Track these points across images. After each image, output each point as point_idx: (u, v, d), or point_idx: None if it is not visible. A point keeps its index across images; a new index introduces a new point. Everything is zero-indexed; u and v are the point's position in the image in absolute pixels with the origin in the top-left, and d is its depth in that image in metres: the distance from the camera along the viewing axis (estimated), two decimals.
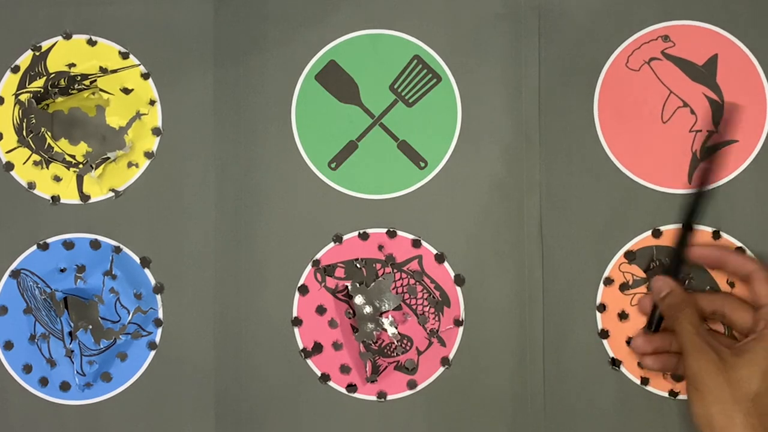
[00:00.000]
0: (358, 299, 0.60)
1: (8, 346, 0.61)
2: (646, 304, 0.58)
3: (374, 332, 0.60)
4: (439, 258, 0.60)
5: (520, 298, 0.60)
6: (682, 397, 0.59)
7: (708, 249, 0.58)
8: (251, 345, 0.61)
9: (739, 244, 0.59)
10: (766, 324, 0.53)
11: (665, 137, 0.60)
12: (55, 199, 0.62)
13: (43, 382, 0.61)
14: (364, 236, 0.61)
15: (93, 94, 0.62)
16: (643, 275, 0.60)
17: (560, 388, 0.59)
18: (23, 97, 0.62)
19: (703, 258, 0.57)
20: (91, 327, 0.61)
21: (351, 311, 0.61)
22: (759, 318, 0.54)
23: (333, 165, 0.61)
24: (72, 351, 0.61)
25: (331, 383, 0.61)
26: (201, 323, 0.61)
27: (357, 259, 0.61)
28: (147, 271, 0.61)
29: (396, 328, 0.60)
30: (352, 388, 0.60)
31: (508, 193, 0.60)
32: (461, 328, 0.60)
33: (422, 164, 0.61)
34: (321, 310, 0.61)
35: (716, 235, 0.59)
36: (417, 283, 0.60)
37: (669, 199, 0.60)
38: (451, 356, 0.60)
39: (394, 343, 0.60)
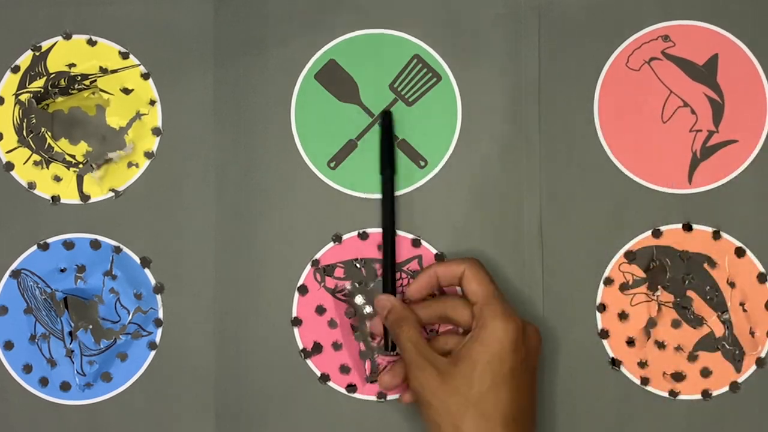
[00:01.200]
0: (358, 299, 0.60)
1: (8, 346, 0.61)
2: (378, 325, 0.58)
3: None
4: (439, 258, 0.60)
5: (520, 298, 0.60)
6: (682, 397, 0.59)
7: (422, 278, 0.57)
8: (251, 345, 0.61)
9: (739, 244, 0.59)
10: (477, 323, 0.53)
11: (665, 137, 0.60)
12: (55, 199, 0.62)
13: (43, 382, 0.61)
14: (363, 236, 0.61)
15: (93, 94, 0.62)
16: (643, 275, 0.60)
17: (560, 388, 0.59)
18: (23, 97, 0.62)
19: (420, 289, 0.57)
20: (91, 327, 0.61)
21: (351, 311, 0.61)
22: (473, 317, 0.54)
23: (332, 164, 0.61)
24: (72, 351, 0.61)
25: (330, 383, 0.61)
26: (201, 323, 0.61)
27: (357, 259, 0.61)
28: (147, 271, 0.61)
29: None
30: (352, 388, 0.60)
31: (508, 193, 0.60)
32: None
33: (422, 164, 0.61)
34: (321, 310, 0.61)
35: (716, 235, 0.59)
36: None
37: (669, 199, 0.60)
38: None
39: (394, 342, 0.60)
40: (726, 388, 0.59)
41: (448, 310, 0.56)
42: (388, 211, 0.59)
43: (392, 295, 0.57)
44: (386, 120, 0.60)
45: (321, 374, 0.61)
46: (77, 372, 0.61)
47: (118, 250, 0.61)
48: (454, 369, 0.52)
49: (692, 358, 0.59)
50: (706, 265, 0.59)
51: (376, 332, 0.59)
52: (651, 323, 0.59)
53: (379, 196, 0.60)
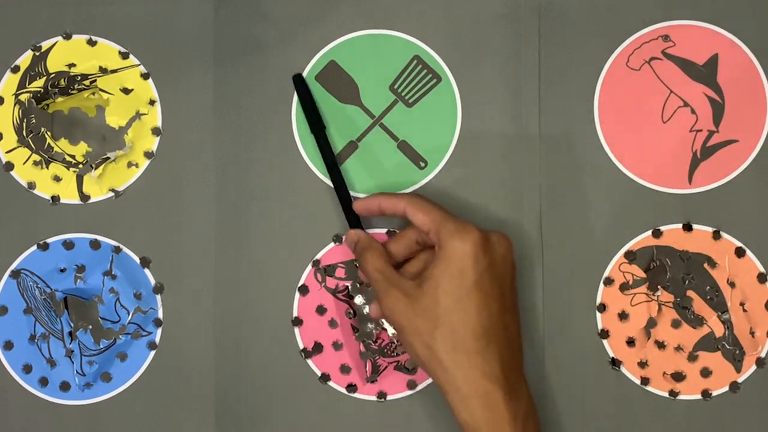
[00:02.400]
0: (359, 299, 0.60)
1: (8, 346, 0.61)
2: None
3: (374, 332, 0.60)
4: None
5: (520, 298, 0.59)
6: (682, 397, 0.59)
7: (366, 200, 0.58)
8: (251, 345, 0.61)
9: (739, 244, 0.59)
10: (437, 246, 0.53)
11: (665, 137, 0.60)
12: (55, 199, 0.62)
13: (43, 382, 0.61)
14: None
15: (93, 94, 0.62)
16: (643, 275, 0.60)
17: (560, 388, 0.59)
18: (23, 97, 0.62)
19: (365, 209, 0.58)
20: (91, 327, 0.61)
21: (351, 311, 0.61)
22: (432, 243, 0.54)
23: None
24: (72, 351, 0.61)
25: (331, 383, 0.61)
26: (201, 323, 0.61)
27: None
28: (147, 271, 0.61)
29: None
30: (352, 388, 0.60)
31: (508, 193, 0.60)
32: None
33: (422, 164, 0.61)
34: (321, 310, 0.61)
35: (716, 235, 0.59)
36: None
37: (669, 199, 0.60)
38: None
39: (394, 343, 0.60)
40: (726, 388, 0.59)
41: (411, 217, 0.55)
42: (329, 154, 0.59)
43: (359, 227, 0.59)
44: (298, 83, 0.60)
45: (321, 374, 0.61)
46: (77, 372, 0.61)
47: (117, 250, 0.61)
48: (420, 290, 0.52)
49: (692, 358, 0.59)
50: (706, 265, 0.59)
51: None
52: (651, 323, 0.59)
53: None
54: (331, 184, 0.61)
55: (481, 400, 0.51)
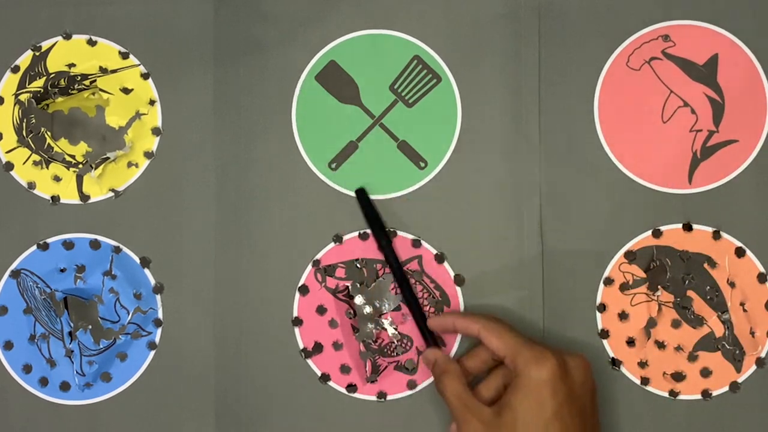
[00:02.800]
0: (359, 299, 0.60)
1: (8, 346, 0.61)
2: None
3: (374, 332, 0.60)
4: (439, 258, 0.60)
5: (519, 298, 0.60)
6: (682, 397, 0.59)
7: (440, 318, 0.58)
8: (251, 345, 0.61)
9: (739, 244, 0.59)
10: (513, 373, 0.53)
11: (665, 137, 0.60)
12: (55, 199, 0.62)
13: (43, 382, 0.61)
14: (364, 236, 0.61)
15: (93, 94, 0.62)
16: (644, 275, 0.60)
17: None
18: (23, 97, 0.62)
19: (440, 327, 0.58)
20: (90, 327, 0.61)
21: (351, 311, 0.61)
22: (506, 371, 0.54)
23: (333, 165, 0.61)
24: (72, 351, 0.61)
25: (331, 383, 0.61)
26: (201, 323, 0.61)
27: (357, 260, 0.61)
28: (147, 271, 0.61)
29: (395, 328, 0.60)
30: (352, 388, 0.60)
31: (508, 193, 0.60)
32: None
33: (422, 164, 0.61)
34: (321, 310, 0.61)
35: (716, 235, 0.59)
36: (417, 283, 0.60)
37: (669, 199, 0.60)
38: (451, 356, 0.60)
39: (394, 343, 0.60)
40: (726, 388, 0.59)
41: (487, 342, 0.55)
42: (396, 269, 0.59)
43: (436, 346, 0.58)
44: (361, 197, 0.60)
45: (321, 374, 0.61)
46: (77, 372, 0.61)
47: (117, 250, 0.61)
48: (499, 420, 0.52)
49: (692, 358, 0.59)
50: (706, 265, 0.59)
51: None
52: (651, 323, 0.59)
53: (379, 196, 0.60)
54: (332, 185, 0.61)
55: None
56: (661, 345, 0.59)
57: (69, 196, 0.62)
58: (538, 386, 0.51)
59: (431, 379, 0.60)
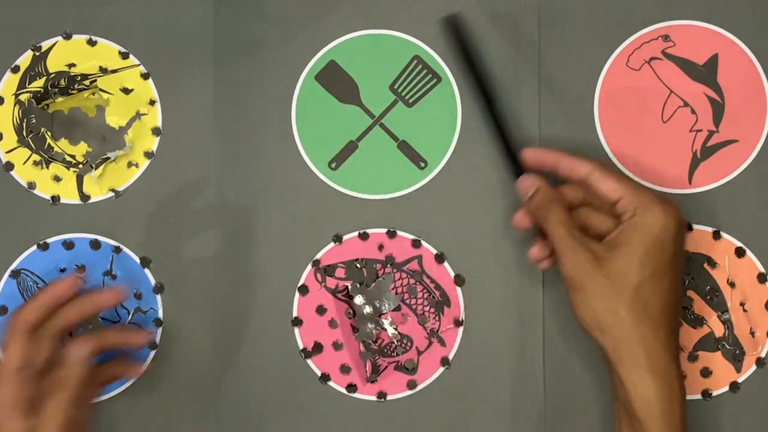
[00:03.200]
0: (358, 299, 0.60)
1: None
2: (522, 219, 0.56)
3: (374, 332, 0.60)
4: (439, 258, 0.60)
5: (519, 298, 0.60)
6: None
7: (541, 151, 0.55)
8: (251, 345, 0.61)
9: (739, 244, 0.59)
10: (631, 213, 0.52)
11: (665, 137, 0.60)
12: (55, 199, 0.62)
13: None
14: (364, 236, 0.61)
15: (93, 94, 0.62)
16: None
17: (560, 388, 0.59)
18: (23, 97, 0.62)
19: (537, 161, 0.55)
20: (91, 327, 0.61)
21: (351, 311, 0.61)
22: (620, 211, 0.52)
23: (333, 165, 0.61)
24: None
25: (331, 383, 0.61)
26: (201, 323, 0.61)
27: (357, 260, 0.61)
28: (147, 271, 0.61)
29: (395, 328, 0.60)
30: (352, 388, 0.60)
31: (508, 193, 0.60)
32: (461, 328, 0.60)
33: (422, 164, 0.61)
34: (321, 310, 0.61)
35: (716, 235, 0.59)
36: (417, 283, 0.60)
37: (669, 199, 0.60)
38: (451, 356, 0.60)
39: (394, 343, 0.60)
40: (726, 388, 0.59)
41: (598, 183, 0.53)
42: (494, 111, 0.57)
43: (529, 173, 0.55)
44: (455, 28, 0.56)
45: (321, 374, 0.61)
46: None
47: (117, 250, 0.61)
48: (612, 254, 0.51)
49: (692, 358, 0.59)
50: (706, 265, 0.59)
51: (521, 225, 0.55)
52: None
53: (379, 196, 0.60)
54: (332, 185, 0.61)
55: (659, 377, 0.50)
56: None
57: (69, 196, 0.62)
58: (662, 230, 0.50)
59: (431, 379, 0.60)
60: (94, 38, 0.62)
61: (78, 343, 0.54)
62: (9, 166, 0.62)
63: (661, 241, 0.51)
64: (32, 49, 0.62)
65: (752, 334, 0.59)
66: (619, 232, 0.52)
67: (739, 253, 0.59)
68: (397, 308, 0.60)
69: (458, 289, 0.60)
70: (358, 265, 0.61)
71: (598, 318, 0.51)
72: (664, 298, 0.51)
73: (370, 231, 0.61)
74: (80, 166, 0.62)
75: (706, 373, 0.59)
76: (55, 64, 0.62)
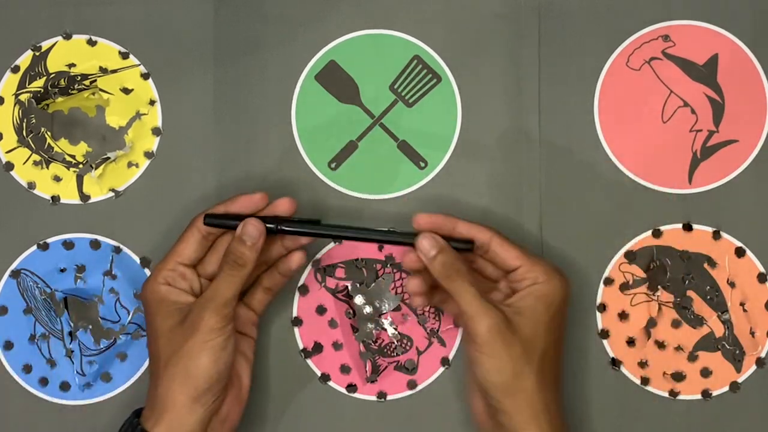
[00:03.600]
0: (358, 299, 0.60)
1: (8, 346, 0.61)
2: (416, 283, 0.55)
3: (374, 332, 0.60)
4: None
5: None
6: (682, 397, 0.59)
7: (435, 216, 0.54)
8: None
9: (739, 244, 0.59)
10: (531, 281, 0.52)
11: (665, 137, 0.60)
12: (55, 199, 0.62)
13: (43, 382, 0.61)
14: None
15: (93, 94, 0.62)
16: (644, 275, 0.60)
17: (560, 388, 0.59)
18: (23, 97, 0.62)
19: (431, 225, 0.54)
20: (91, 327, 0.61)
21: (351, 311, 0.61)
22: (518, 278, 0.53)
23: (333, 165, 0.61)
24: (72, 351, 0.61)
25: (331, 383, 0.61)
26: None
27: (357, 259, 0.61)
28: (147, 271, 0.61)
29: (395, 328, 0.60)
30: (352, 388, 0.60)
31: (508, 193, 0.60)
32: (461, 328, 0.60)
33: (422, 164, 0.61)
34: (321, 310, 0.61)
35: (716, 235, 0.59)
36: None
37: (669, 199, 0.60)
38: (451, 356, 0.60)
39: (394, 343, 0.60)
40: (726, 388, 0.59)
41: (498, 249, 0.53)
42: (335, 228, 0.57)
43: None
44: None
45: (321, 374, 0.61)
46: (77, 372, 0.61)
47: (117, 250, 0.61)
48: (521, 320, 0.51)
49: (692, 358, 0.59)
50: (706, 265, 0.59)
51: (412, 266, 0.54)
52: (651, 323, 0.59)
53: (379, 196, 0.60)
54: (332, 185, 0.61)
55: (551, 418, 0.52)
56: (661, 345, 0.59)
57: (69, 196, 0.62)
58: (562, 299, 0.53)
59: (431, 379, 0.60)
60: (94, 38, 0.62)
61: (248, 222, 0.54)
62: (9, 166, 0.62)
63: (561, 309, 0.53)
64: (32, 49, 0.62)
65: (752, 334, 0.59)
66: (520, 298, 0.52)
67: (739, 253, 0.59)
68: (397, 308, 0.60)
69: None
70: (358, 265, 0.61)
71: (508, 382, 0.51)
72: (559, 363, 0.53)
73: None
74: (80, 166, 0.62)
75: (706, 373, 0.59)
76: (55, 64, 0.62)
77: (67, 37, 0.62)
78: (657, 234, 0.60)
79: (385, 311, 0.60)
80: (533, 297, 0.52)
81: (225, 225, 0.55)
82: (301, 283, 0.61)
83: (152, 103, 0.62)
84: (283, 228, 0.55)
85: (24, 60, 0.62)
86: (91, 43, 0.62)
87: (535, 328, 0.51)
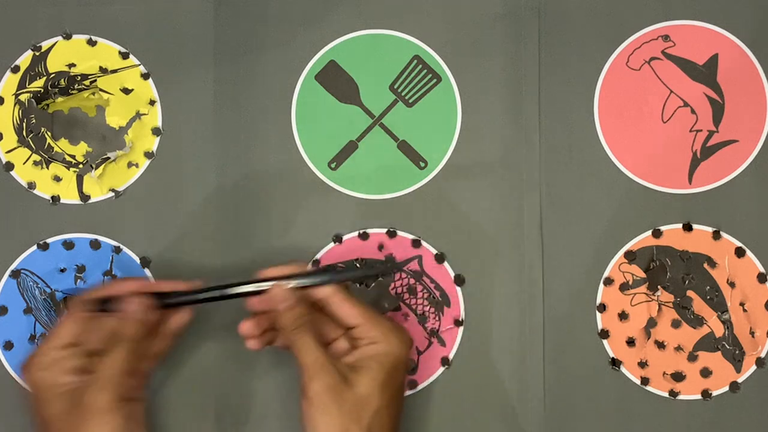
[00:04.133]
0: None
1: (8, 346, 0.61)
2: (250, 327, 0.55)
3: None
4: (439, 258, 0.60)
5: (520, 298, 0.60)
6: (682, 397, 0.59)
7: (278, 268, 0.54)
8: None
9: (739, 244, 0.59)
10: (370, 340, 0.53)
11: (665, 137, 0.60)
12: (55, 199, 0.62)
13: None
14: (364, 236, 0.61)
15: (93, 94, 0.62)
16: (643, 275, 0.60)
17: (560, 388, 0.59)
18: (23, 97, 0.62)
19: (277, 273, 0.54)
20: None
21: None
22: (357, 335, 0.53)
23: (333, 165, 0.61)
24: None
25: None
26: (201, 323, 0.61)
27: (357, 259, 0.61)
28: (147, 271, 0.61)
29: None
30: None
31: (508, 193, 0.60)
32: (461, 328, 0.60)
33: (422, 164, 0.61)
34: None
35: (716, 235, 0.59)
36: (417, 283, 0.60)
37: (669, 199, 0.60)
38: (451, 356, 0.60)
39: None
40: (726, 388, 0.59)
41: (337, 306, 0.53)
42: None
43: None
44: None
45: None
46: None
47: (117, 250, 0.61)
48: (358, 378, 0.51)
49: (692, 358, 0.59)
50: (706, 265, 0.59)
51: (250, 333, 0.54)
52: (651, 323, 0.59)
53: (379, 196, 0.60)
54: (332, 185, 0.61)
55: None
56: (661, 345, 0.59)
57: (69, 196, 0.62)
58: (399, 358, 0.53)
59: (431, 379, 0.60)
60: (94, 38, 0.62)
61: (131, 301, 0.54)
62: (9, 166, 0.62)
63: (397, 367, 0.53)
64: (32, 49, 0.62)
65: (752, 334, 0.59)
66: (359, 356, 0.53)
67: (739, 253, 0.59)
68: (397, 308, 0.60)
69: (458, 289, 0.60)
70: (357, 265, 0.61)
71: None
72: (395, 420, 0.53)
73: (370, 231, 0.61)
74: (80, 166, 0.62)
75: (706, 373, 0.59)
76: (55, 64, 0.62)
77: (67, 37, 0.62)
78: (657, 234, 0.60)
79: (385, 311, 0.60)
80: (369, 356, 0.52)
81: (106, 309, 0.54)
82: None
83: (152, 103, 0.62)
84: (168, 302, 0.55)
85: (24, 60, 0.62)
86: (91, 43, 0.62)
87: (370, 386, 0.51)
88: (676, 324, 0.59)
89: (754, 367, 0.59)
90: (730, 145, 0.60)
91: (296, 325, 0.53)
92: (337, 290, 0.54)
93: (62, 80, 0.62)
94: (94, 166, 0.61)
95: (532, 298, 0.60)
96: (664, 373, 0.59)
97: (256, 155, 0.61)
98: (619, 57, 0.60)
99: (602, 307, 0.60)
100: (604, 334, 0.60)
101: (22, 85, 0.62)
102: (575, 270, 0.60)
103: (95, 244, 0.61)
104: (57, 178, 0.62)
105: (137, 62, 0.62)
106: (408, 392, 0.60)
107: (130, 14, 0.62)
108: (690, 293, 0.59)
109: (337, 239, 0.61)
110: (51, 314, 0.61)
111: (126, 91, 0.62)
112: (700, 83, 0.60)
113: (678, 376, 0.59)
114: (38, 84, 0.62)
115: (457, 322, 0.60)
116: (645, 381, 0.59)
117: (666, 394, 0.59)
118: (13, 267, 0.61)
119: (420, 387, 0.60)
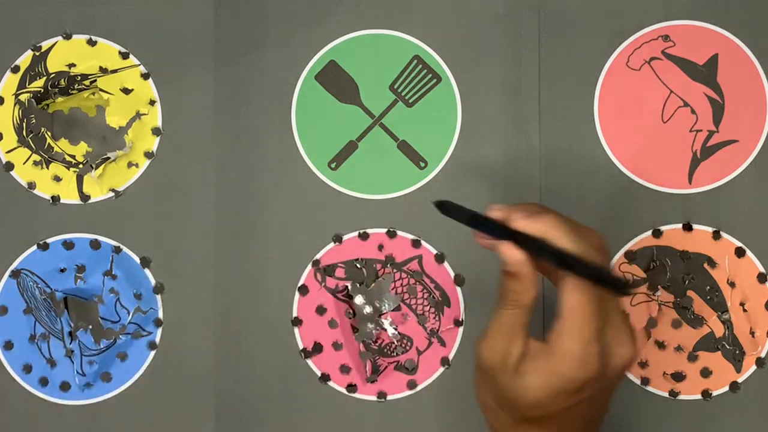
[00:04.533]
0: (358, 299, 0.60)
1: (8, 346, 0.61)
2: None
3: (374, 332, 0.60)
4: (439, 258, 0.60)
5: None
6: (682, 397, 0.59)
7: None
8: (251, 345, 0.61)
9: (739, 244, 0.59)
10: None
11: (665, 137, 0.60)
12: (55, 199, 0.62)
13: (43, 382, 0.61)
14: (364, 236, 0.61)
15: (93, 94, 0.62)
16: (643, 275, 0.60)
17: None
18: (23, 97, 0.62)
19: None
20: (91, 327, 0.61)
21: (351, 311, 0.61)
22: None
23: (333, 165, 0.61)
24: (72, 351, 0.61)
25: (331, 383, 0.61)
26: (201, 323, 0.61)
27: (357, 259, 0.61)
28: (147, 271, 0.61)
29: (395, 328, 0.60)
30: (352, 388, 0.60)
31: (508, 193, 0.60)
32: (461, 328, 0.60)
33: (422, 164, 0.61)
34: (321, 310, 0.61)
35: (716, 235, 0.59)
36: (417, 283, 0.60)
37: (669, 199, 0.60)
38: (451, 356, 0.60)
39: (394, 343, 0.60)
40: (726, 388, 0.59)
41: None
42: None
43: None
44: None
45: (321, 374, 0.61)
46: (77, 372, 0.61)
47: (118, 250, 0.61)
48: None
49: (692, 358, 0.59)
50: (706, 265, 0.59)
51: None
52: (651, 323, 0.59)
53: (379, 196, 0.60)
54: (332, 185, 0.61)
55: None
56: (661, 345, 0.59)
57: (69, 196, 0.62)
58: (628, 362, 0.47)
59: (431, 379, 0.60)
60: (94, 38, 0.62)
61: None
62: (9, 166, 0.62)
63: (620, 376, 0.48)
64: (32, 49, 0.62)
65: (752, 334, 0.59)
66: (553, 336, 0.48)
67: (739, 253, 0.59)
68: (397, 308, 0.60)
69: (458, 289, 0.60)
70: (357, 265, 0.61)
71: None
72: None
73: (370, 231, 0.61)
74: (80, 166, 0.62)
75: (706, 373, 0.59)
76: (55, 64, 0.62)
77: (67, 37, 0.62)
78: (657, 234, 0.60)
79: (385, 311, 0.60)
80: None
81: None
82: (300, 283, 0.61)
83: (152, 103, 0.62)
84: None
85: (24, 60, 0.62)
86: (91, 43, 0.62)
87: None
88: (676, 324, 0.59)
89: (754, 367, 0.59)
90: (730, 145, 0.60)
91: (519, 286, 0.48)
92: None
93: (62, 80, 0.62)
94: (94, 166, 0.61)
95: None
96: (664, 373, 0.59)
97: (256, 155, 0.61)
98: (619, 57, 0.60)
99: None
100: None
101: (22, 85, 0.62)
102: None
103: (95, 244, 0.61)
104: (57, 178, 0.62)
105: (137, 62, 0.62)
106: (408, 392, 0.60)
107: (130, 14, 0.62)
108: (690, 293, 0.59)
109: (337, 239, 0.61)
110: (51, 314, 0.61)
111: (126, 91, 0.62)
112: (700, 83, 0.60)
113: (678, 376, 0.59)
114: (38, 84, 0.62)
115: (457, 322, 0.60)
116: (645, 381, 0.59)
117: (666, 394, 0.59)
118: (13, 267, 0.61)
119: (420, 387, 0.60)
